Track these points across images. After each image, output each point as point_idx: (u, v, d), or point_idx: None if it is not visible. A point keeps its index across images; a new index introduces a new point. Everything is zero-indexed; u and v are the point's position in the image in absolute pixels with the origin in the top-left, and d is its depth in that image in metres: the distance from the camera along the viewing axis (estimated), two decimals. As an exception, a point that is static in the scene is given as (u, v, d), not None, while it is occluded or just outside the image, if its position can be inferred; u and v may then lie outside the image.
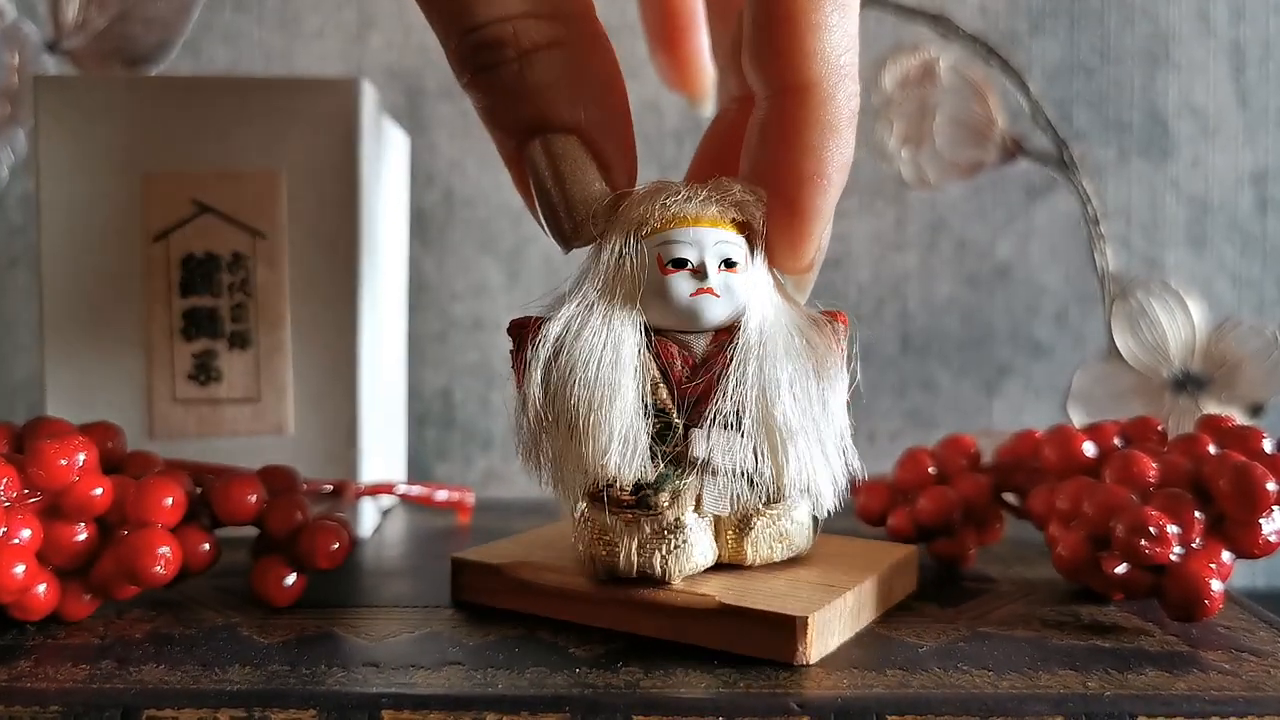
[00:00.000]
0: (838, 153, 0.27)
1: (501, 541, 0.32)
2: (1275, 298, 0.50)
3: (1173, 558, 0.27)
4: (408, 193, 0.47)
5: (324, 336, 0.36)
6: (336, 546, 0.29)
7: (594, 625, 0.27)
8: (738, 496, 0.26)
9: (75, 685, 0.24)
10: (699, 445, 0.26)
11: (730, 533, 0.28)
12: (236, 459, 0.34)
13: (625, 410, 0.25)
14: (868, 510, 0.36)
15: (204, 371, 0.36)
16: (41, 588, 0.27)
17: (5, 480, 0.26)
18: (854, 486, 0.39)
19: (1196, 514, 0.28)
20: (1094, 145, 0.49)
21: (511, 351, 0.27)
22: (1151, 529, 0.27)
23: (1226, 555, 0.28)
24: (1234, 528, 0.28)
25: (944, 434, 0.38)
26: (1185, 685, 0.24)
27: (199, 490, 0.29)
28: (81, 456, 0.27)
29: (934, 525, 0.34)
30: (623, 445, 0.25)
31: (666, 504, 0.26)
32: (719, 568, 0.28)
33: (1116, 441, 0.33)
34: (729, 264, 0.26)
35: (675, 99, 0.48)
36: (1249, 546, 0.28)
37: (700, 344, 0.26)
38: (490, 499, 0.45)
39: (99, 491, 0.27)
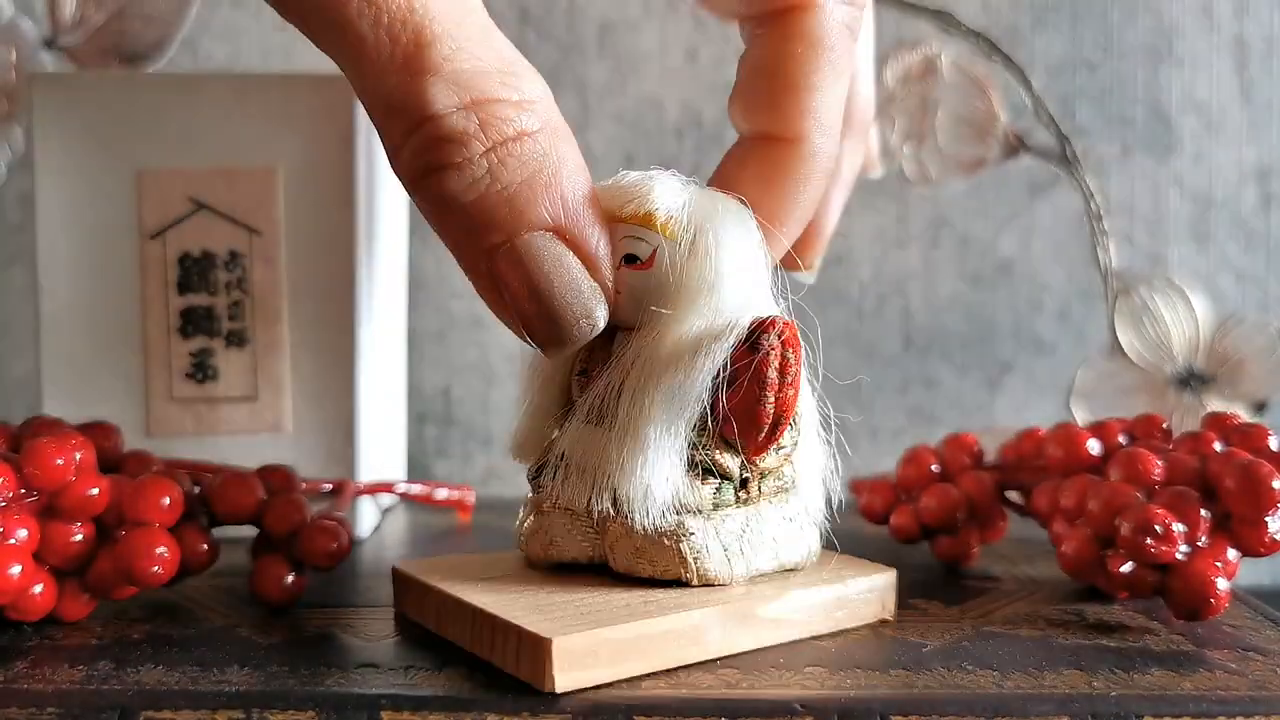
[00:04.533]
0: (808, 199, 0.28)
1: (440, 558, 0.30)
2: (1279, 294, 0.50)
3: (1178, 556, 0.27)
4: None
5: (322, 334, 0.36)
6: (336, 546, 0.29)
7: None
8: (590, 493, 0.26)
9: (72, 686, 0.23)
10: (564, 437, 0.26)
11: (604, 533, 0.27)
12: (234, 458, 0.34)
13: (536, 398, 0.28)
14: (871, 509, 0.36)
15: (201, 370, 0.36)
16: (38, 588, 0.27)
17: (2, 480, 0.26)
18: (855, 485, 0.39)
19: (1202, 512, 0.27)
20: (1096, 141, 0.49)
21: None
22: (1157, 527, 0.27)
23: (1232, 553, 0.28)
24: (1240, 526, 0.28)
25: (947, 432, 0.37)
26: (1191, 685, 0.24)
27: (197, 489, 0.29)
28: (78, 456, 0.27)
29: (937, 524, 0.33)
30: (520, 430, 0.28)
31: (539, 490, 0.27)
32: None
33: (1121, 439, 0.33)
34: (630, 259, 0.26)
35: (677, 96, 0.48)
36: (1255, 545, 0.28)
37: (624, 337, 0.26)
38: (491, 497, 0.45)
39: (96, 491, 0.27)
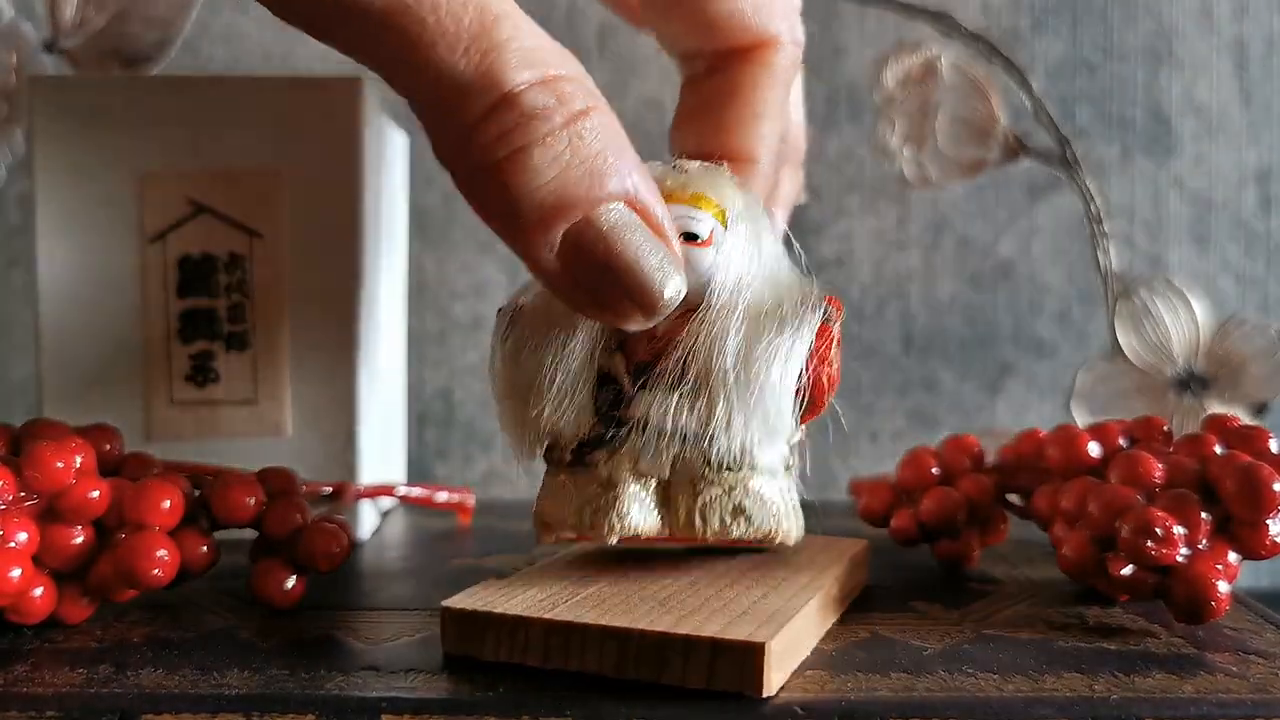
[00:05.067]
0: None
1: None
2: (1279, 296, 0.50)
3: (1179, 559, 0.27)
4: (408, 192, 0.47)
5: (323, 337, 0.36)
6: (336, 549, 0.29)
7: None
8: (677, 457, 0.26)
9: (72, 689, 0.23)
10: (639, 405, 0.26)
11: (682, 500, 0.27)
12: (234, 461, 0.34)
13: (568, 370, 0.27)
14: (870, 511, 0.36)
15: (202, 373, 0.36)
16: (38, 591, 0.27)
17: (2, 483, 0.26)
18: (855, 487, 0.39)
19: (1203, 515, 0.27)
20: (1097, 143, 0.49)
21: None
22: (1157, 530, 0.27)
23: (1233, 556, 0.28)
24: (1241, 528, 0.28)
25: (947, 434, 0.37)
26: (1192, 688, 0.24)
27: (197, 492, 0.29)
28: (79, 459, 0.27)
29: (937, 526, 0.33)
30: (557, 401, 0.27)
31: (601, 462, 0.27)
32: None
33: (1121, 441, 0.33)
34: (689, 237, 0.26)
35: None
36: (1256, 547, 0.28)
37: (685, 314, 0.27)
38: (491, 500, 0.45)
39: (96, 494, 0.27)
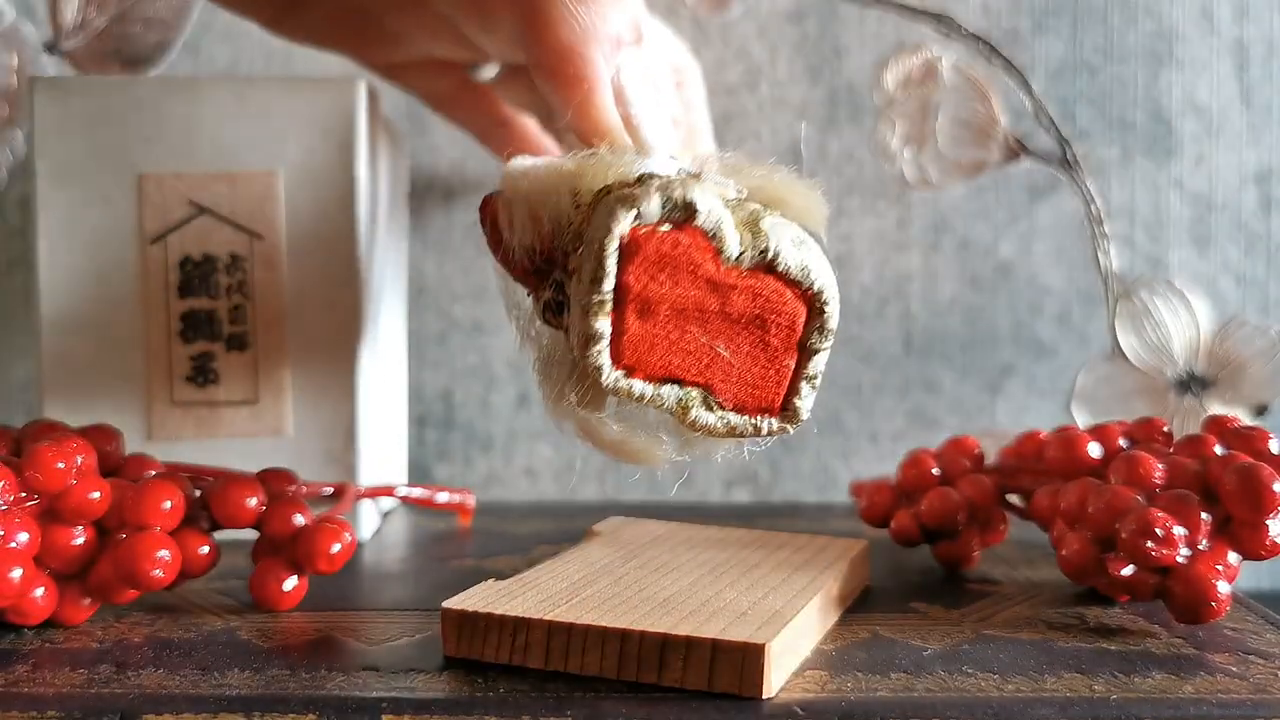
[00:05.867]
0: None
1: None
2: (1279, 297, 0.50)
3: (1179, 560, 0.27)
4: (407, 193, 0.47)
5: (323, 338, 0.36)
6: (336, 550, 0.29)
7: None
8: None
9: (73, 690, 0.23)
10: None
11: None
12: (235, 461, 0.34)
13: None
14: (871, 512, 0.36)
15: (202, 374, 0.36)
16: (39, 592, 0.27)
17: (3, 483, 0.26)
18: (855, 488, 0.39)
19: (1203, 515, 0.27)
20: (1097, 144, 0.49)
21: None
22: (1157, 531, 0.27)
23: (1233, 557, 0.28)
24: (1241, 529, 0.28)
25: (947, 435, 0.37)
26: (1192, 688, 0.24)
27: (198, 493, 0.29)
28: (79, 459, 0.27)
29: (937, 527, 0.33)
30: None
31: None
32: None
33: (1121, 442, 0.33)
34: None
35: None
36: (1256, 548, 0.28)
37: None
38: (492, 501, 0.45)
39: (97, 495, 0.27)
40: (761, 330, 0.25)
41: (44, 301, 0.36)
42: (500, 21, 0.30)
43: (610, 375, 0.24)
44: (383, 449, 0.41)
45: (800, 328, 0.25)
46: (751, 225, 0.25)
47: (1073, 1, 0.49)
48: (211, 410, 0.36)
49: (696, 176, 0.25)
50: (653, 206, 0.24)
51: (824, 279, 0.25)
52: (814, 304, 0.25)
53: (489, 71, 0.39)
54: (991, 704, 0.23)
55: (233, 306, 0.36)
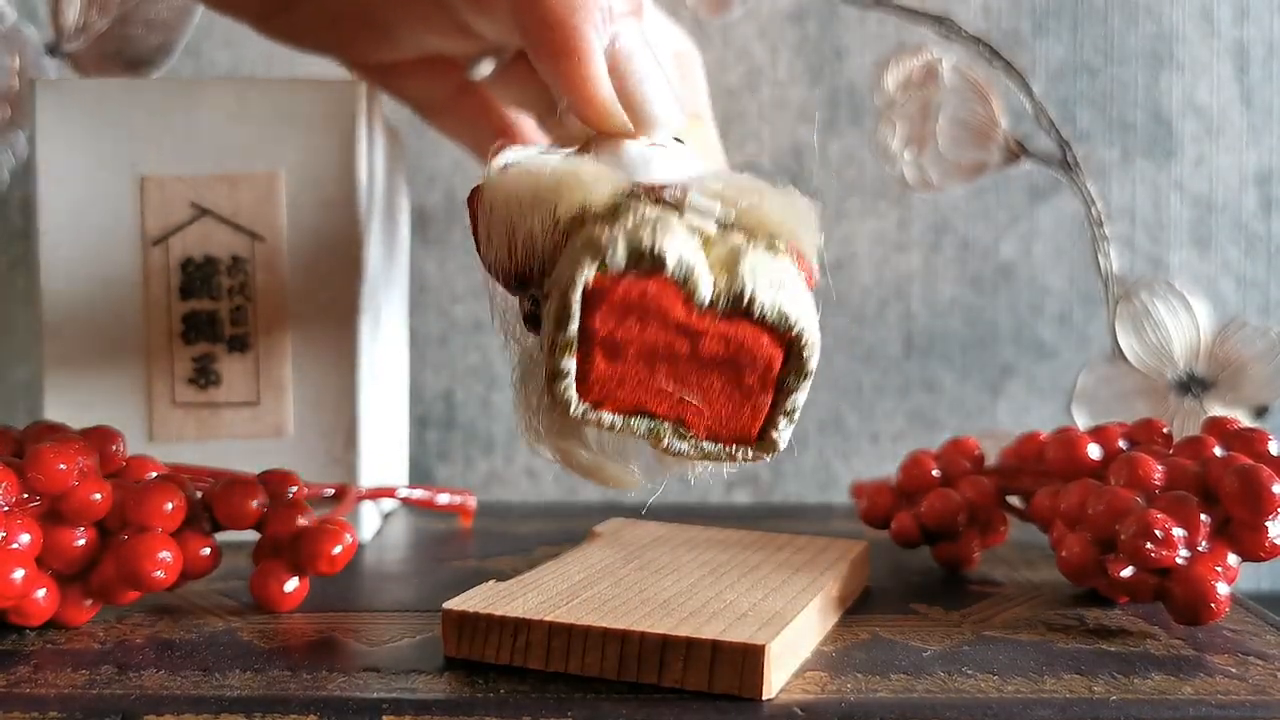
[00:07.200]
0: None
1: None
2: (1280, 298, 0.50)
3: (1178, 561, 0.27)
4: (408, 193, 0.47)
5: (324, 339, 0.36)
6: (338, 551, 0.29)
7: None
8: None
9: (75, 691, 0.23)
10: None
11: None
12: (236, 463, 0.34)
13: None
14: (871, 513, 0.36)
15: (203, 375, 0.36)
16: (41, 593, 0.27)
17: (5, 485, 0.26)
18: (855, 489, 0.39)
19: (1202, 517, 0.27)
20: (1097, 146, 0.49)
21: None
22: (1157, 532, 0.27)
23: (1233, 558, 0.28)
24: (1240, 530, 0.28)
25: (947, 436, 0.37)
26: (1191, 690, 0.24)
27: (199, 494, 0.29)
28: (81, 461, 0.27)
29: (937, 528, 0.33)
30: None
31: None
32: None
33: (1121, 444, 0.33)
34: None
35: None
36: (1255, 549, 0.28)
37: None
38: (492, 502, 0.45)
39: (99, 496, 0.27)
40: (735, 371, 0.24)
41: (45, 303, 0.36)
42: None
43: (579, 408, 0.24)
44: (384, 450, 0.41)
45: (777, 369, 0.24)
46: (730, 265, 0.24)
47: (1073, 3, 0.49)
48: (213, 411, 0.36)
49: (678, 205, 0.24)
50: (618, 257, 0.23)
51: (803, 322, 0.24)
52: (792, 347, 0.24)
53: (485, 67, 0.39)
54: (991, 705, 0.23)
55: (234, 308, 0.36)
